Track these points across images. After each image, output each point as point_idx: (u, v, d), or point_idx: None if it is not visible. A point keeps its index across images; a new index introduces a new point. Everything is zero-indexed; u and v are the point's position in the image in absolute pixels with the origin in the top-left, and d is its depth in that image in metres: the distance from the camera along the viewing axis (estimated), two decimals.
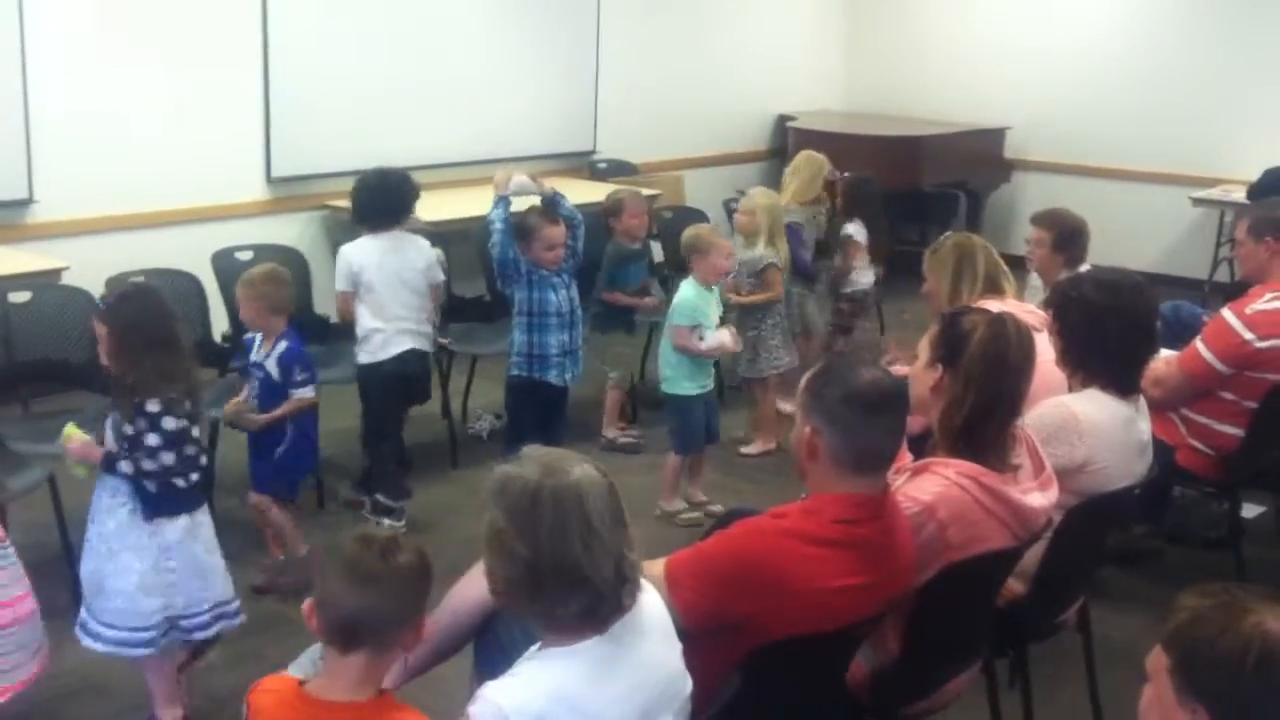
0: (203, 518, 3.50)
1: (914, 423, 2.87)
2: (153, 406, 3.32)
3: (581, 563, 2.05)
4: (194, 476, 3.45)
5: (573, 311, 5.04)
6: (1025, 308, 3.98)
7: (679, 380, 5.09)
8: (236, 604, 3.57)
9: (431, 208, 6.30)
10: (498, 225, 4.87)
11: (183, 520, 3.42)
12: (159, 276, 5.20)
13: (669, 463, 5.17)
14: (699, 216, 7.44)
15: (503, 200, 4.91)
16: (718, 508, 4.88)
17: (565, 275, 5.03)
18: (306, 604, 2.17)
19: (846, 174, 6.77)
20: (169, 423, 3.33)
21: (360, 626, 2.12)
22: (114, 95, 6.10)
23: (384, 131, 6.90)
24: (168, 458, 3.33)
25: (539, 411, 5.08)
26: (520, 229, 4.94)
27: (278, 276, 4.34)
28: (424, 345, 5.02)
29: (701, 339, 5.06)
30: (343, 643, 2.13)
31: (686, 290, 5.11)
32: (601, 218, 6.03)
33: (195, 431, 3.45)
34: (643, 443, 5.88)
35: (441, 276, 5.17)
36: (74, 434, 3.42)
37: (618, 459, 5.62)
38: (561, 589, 2.05)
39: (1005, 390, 2.89)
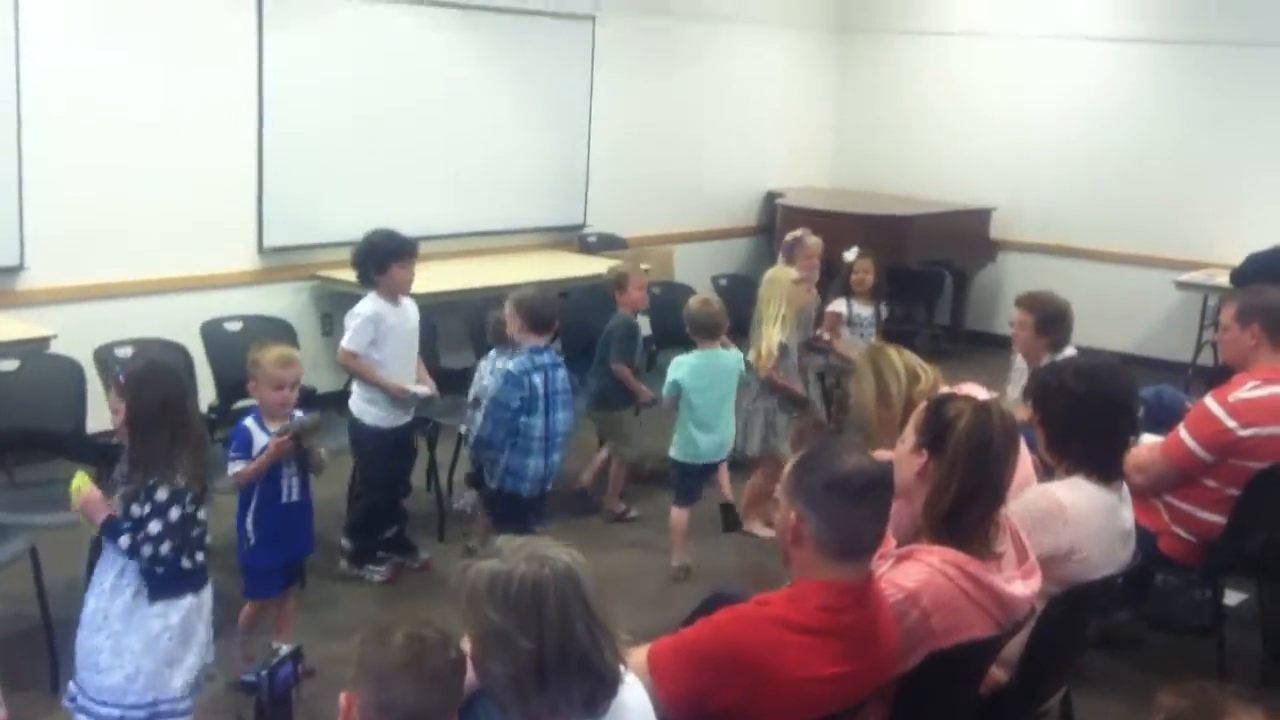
0: (206, 596, 3.49)
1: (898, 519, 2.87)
2: (161, 494, 3.31)
3: (587, 648, 2.06)
4: (199, 556, 3.44)
5: (554, 438, 4.94)
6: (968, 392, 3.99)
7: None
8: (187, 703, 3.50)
9: (423, 280, 6.32)
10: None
11: (188, 599, 3.42)
12: (147, 346, 5.21)
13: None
14: (688, 291, 7.48)
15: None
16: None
17: (556, 399, 4.93)
18: (344, 698, 2.12)
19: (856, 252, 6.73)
20: (174, 513, 3.33)
21: None
22: (108, 163, 6.14)
23: (376, 203, 6.94)
24: (165, 548, 3.31)
25: (520, 510, 5.02)
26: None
27: (290, 359, 4.24)
28: (408, 418, 5.16)
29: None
30: None
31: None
32: (593, 291, 6.08)
33: (202, 513, 3.45)
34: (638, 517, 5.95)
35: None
36: (84, 486, 3.39)
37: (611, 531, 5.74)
38: (567, 679, 2.05)
39: (989, 478, 2.91)
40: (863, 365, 4.30)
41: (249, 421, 4.11)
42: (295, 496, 4.19)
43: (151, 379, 3.46)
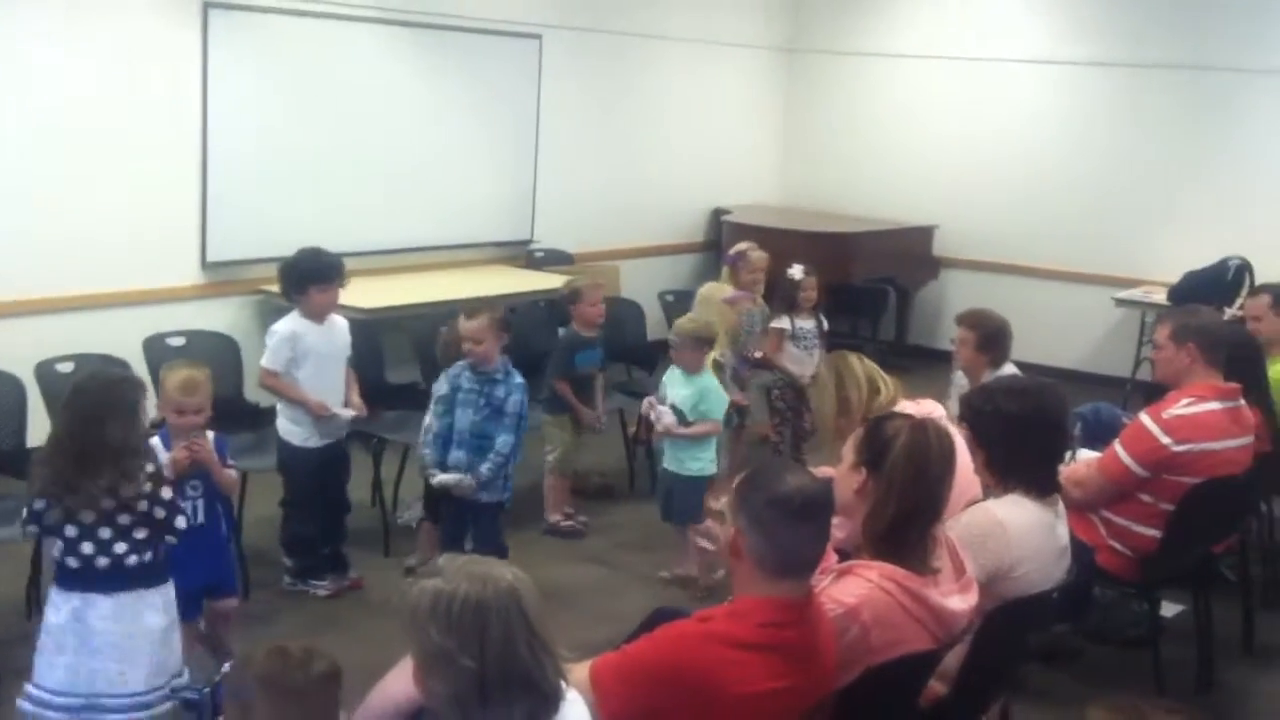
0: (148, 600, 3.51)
1: (838, 532, 2.92)
2: (38, 505, 3.43)
3: (529, 667, 2.07)
4: (130, 559, 3.47)
5: (482, 436, 4.99)
6: (924, 409, 4.04)
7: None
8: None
9: (369, 294, 6.34)
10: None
11: (123, 598, 3.45)
12: (88, 362, 5.16)
13: None
14: (634, 307, 7.54)
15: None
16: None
17: (482, 400, 5.00)
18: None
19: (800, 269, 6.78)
20: (32, 529, 3.48)
21: None
22: (49, 176, 6.09)
23: (322, 218, 6.93)
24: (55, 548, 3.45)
25: (460, 517, 5.09)
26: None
27: (193, 385, 4.11)
28: (341, 435, 5.16)
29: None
30: None
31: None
32: (541, 306, 6.11)
33: (125, 519, 3.45)
34: (585, 529, 5.97)
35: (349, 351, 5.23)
36: None
37: (558, 544, 5.75)
38: (509, 697, 2.06)
39: (927, 495, 2.95)
40: (825, 374, 4.37)
41: (154, 441, 3.98)
42: (200, 519, 4.07)
43: (74, 398, 3.53)
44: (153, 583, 3.53)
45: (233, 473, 4.21)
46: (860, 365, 4.33)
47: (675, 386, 5.33)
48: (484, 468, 4.92)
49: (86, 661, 3.42)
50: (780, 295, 6.56)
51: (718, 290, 6.21)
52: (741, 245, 6.43)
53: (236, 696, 2.15)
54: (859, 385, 4.29)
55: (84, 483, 3.39)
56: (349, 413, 5.06)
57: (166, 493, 3.53)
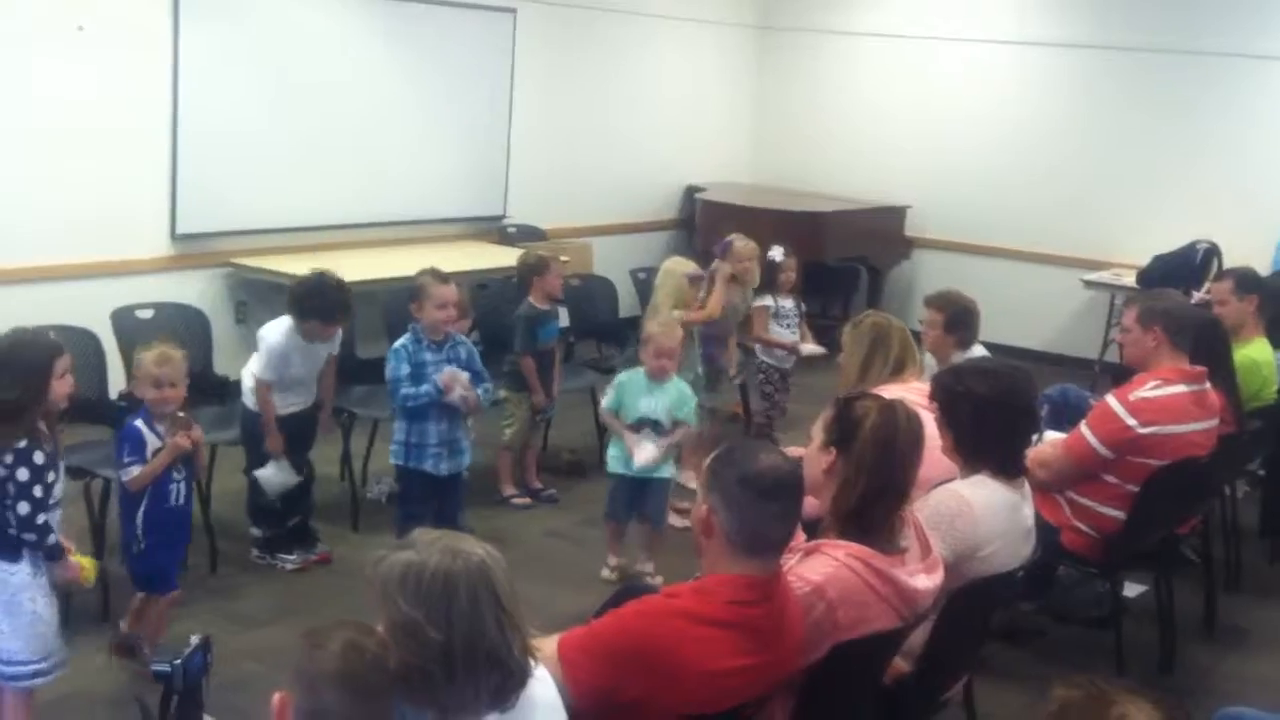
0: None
1: (809, 507, 2.94)
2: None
3: (496, 643, 2.08)
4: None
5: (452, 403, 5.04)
6: (920, 389, 4.08)
7: (612, 452, 5.23)
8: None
9: (339, 268, 6.28)
10: (415, 398, 4.96)
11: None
12: (55, 333, 5.10)
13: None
14: (607, 284, 7.54)
15: (438, 392, 4.97)
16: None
17: (451, 366, 5.05)
18: (278, 699, 2.07)
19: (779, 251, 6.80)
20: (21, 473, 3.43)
21: None
22: (14, 146, 6.03)
23: (293, 192, 6.90)
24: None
25: (432, 497, 5.11)
26: (414, 292, 5.05)
27: (168, 357, 4.12)
28: (308, 403, 5.17)
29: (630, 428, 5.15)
30: None
31: (622, 375, 5.27)
32: (514, 282, 6.13)
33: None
34: (541, 503, 6.01)
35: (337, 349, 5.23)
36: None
37: (518, 516, 5.80)
38: (476, 672, 2.07)
39: (894, 475, 2.97)
40: (862, 333, 4.45)
41: (138, 423, 4.03)
42: (180, 501, 4.13)
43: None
44: None
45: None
46: (898, 342, 4.42)
47: (647, 397, 5.13)
48: (480, 388, 5.07)
49: None
50: (761, 276, 6.60)
51: (680, 265, 6.21)
52: (730, 236, 6.44)
53: (308, 688, 2.07)
54: (886, 361, 4.38)
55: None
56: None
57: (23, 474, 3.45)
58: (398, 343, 5.09)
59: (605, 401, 5.23)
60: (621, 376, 5.27)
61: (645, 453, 5.05)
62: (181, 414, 4.10)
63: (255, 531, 5.17)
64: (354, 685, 2.04)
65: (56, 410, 3.58)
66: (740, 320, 6.54)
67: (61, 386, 3.54)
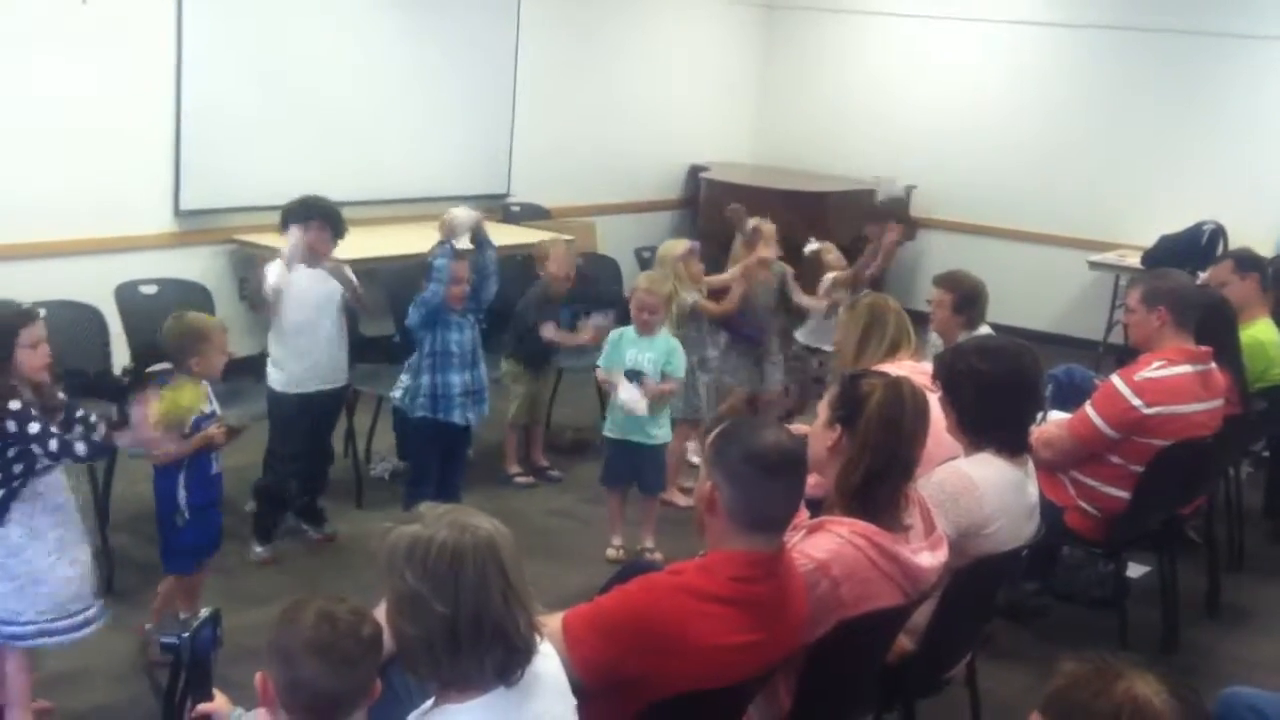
0: None
1: (813, 486, 2.93)
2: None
3: (502, 617, 2.07)
4: None
5: (474, 352, 5.05)
6: (923, 369, 4.07)
7: (607, 418, 5.28)
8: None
9: (343, 246, 6.28)
10: (443, 275, 4.83)
11: None
12: (59, 308, 5.12)
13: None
14: (611, 263, 7.53)
15: (449, 249, 4.86)
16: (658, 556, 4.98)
17: (469, 315, 5.03)
18: (259, 678, 2.15)
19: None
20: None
21: (340, 705, 2.12)
22: (18, 123, 6.01)
23: (296, 168, 6.85)
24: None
25: (441, 453, 5.11)
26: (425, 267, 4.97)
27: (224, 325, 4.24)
28: (336, 384, 5.09)
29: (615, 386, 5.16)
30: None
31: (613, 332, 5.32)
32: (517, 260, 6.14)
33: None
34: (544, 482, 6.01)
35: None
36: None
37: (521, 495, 5.79)
38: (481, 646, 2.06)
39: (899, 453, 2.97)
40: (858, 313, 4.45)
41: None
42: (218, 469, 4.16)
43: None
44: None
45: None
46: (893, 322, 4.41)
47: (634, 349, 5.19)
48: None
49: None
50: (808, 270, 6.58)
51: (673, 248, 6.21)
52: (752, 221, 6.40)
53: (284, 661, 2.11)
54: (882, 340, 4.37)
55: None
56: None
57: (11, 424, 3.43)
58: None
59: (599, 361, 5.31)
60: (613, 334, 5.33)
61: (627, 391, 5.09)
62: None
63: (249, 505, 5.10)
64: (329, 654, 2.09)
65: (41, 385, 3.55)
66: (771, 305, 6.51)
67: (34, 358, 3.51)
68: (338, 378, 5.10)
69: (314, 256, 4.89)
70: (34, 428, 3.39)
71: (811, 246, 6.63)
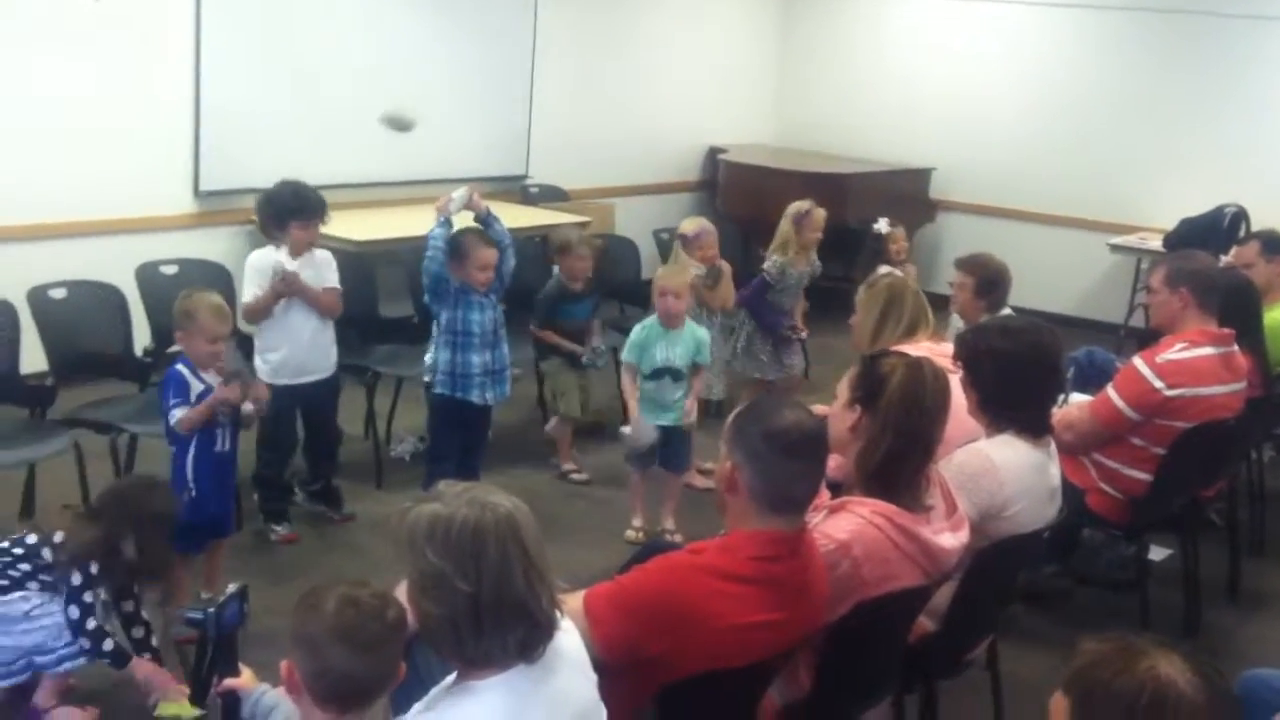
0: None
1: (834, 468, 2.93)
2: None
3: (524, 595, 2.07)
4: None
5: (495, 332, 5.05)
6: (941, 350, 4.06)
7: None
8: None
9: (362, 227, 6.32)
10: (438, 244, 4.85)
11: None
12: (80, 288, 5.15)
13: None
14: (629, 245, 7.52)
15: (445, 220, 4.90)
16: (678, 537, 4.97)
17: (492, 295, 5.03)
18: (284, 666, 2.16)
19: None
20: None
21: (367, 689, 2.14)
22: (43, 104, 6.03)
23: (316, 149, 6.87)
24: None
25: (461, 431, 5.11)
26: (455, 249, 4.93)
27: (225, 311, 4.17)
28: (323, 374, 5.05)
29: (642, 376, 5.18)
30: (344, 707, 2.15)
31: (637, 328, 5.26)
32: (533, 243, 6.10)
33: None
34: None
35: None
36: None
37: (539, 477, 5.80)
38: (503, 624, 2.06)
39: (920, 433, 2.96)
40: (876, 294, 4.44)
41: (180, 367, 4.05)
42: (226, 446, 4.15)
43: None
44: None
45: (249, 406, 4.17)
46: (911, 303, 4.40)
47: (663, 345, 5.16)
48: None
49: None
50: (865, 252, 6.55)
51: (686, 227, 6.23)
52: (804, 204, 6.38)
53: (310, 649, 2.13)
54: (899, 321, 4.36)
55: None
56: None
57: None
58: None
59: (624, 354, 5.28)
60: (636, 330, 5.28)
61: (644, 434, 5.08)
62: (253, 379, 4.14)
63: (255, 495, 5.07)
64: (353, 639, 2.11)
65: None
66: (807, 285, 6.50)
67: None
68: (325, 367, 5.06)
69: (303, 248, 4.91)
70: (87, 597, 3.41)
71: (883, 228, 6.56)
